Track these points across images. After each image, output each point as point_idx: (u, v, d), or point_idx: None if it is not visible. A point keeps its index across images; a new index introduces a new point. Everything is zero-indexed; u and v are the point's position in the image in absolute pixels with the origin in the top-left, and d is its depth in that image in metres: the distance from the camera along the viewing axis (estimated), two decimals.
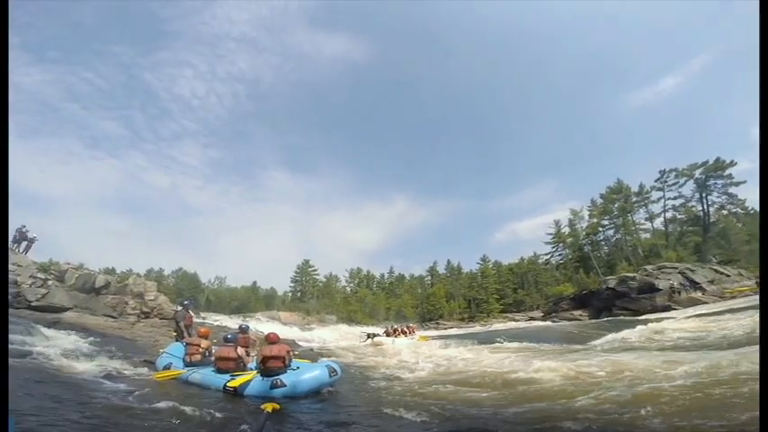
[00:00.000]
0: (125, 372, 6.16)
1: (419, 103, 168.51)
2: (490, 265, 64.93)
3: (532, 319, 43.47)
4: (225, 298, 63.56)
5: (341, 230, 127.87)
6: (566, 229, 58.13)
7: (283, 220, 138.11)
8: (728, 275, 31.84)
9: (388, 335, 18.53)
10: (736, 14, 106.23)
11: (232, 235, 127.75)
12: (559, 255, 59.84)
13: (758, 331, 8.45)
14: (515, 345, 12.39)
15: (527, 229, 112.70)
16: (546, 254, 61.64)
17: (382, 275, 73.39)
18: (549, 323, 32.89)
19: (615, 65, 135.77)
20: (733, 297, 26.14)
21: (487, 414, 4.12)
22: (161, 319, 17.09)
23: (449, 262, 70.17)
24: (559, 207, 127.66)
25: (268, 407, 3.31)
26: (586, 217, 54.85)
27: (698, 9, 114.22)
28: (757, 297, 23.09)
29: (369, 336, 18.47)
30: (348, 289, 69.93)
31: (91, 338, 8.69)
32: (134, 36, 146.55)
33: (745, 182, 43.02)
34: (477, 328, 41.94)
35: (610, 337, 12.21)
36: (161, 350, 7.67)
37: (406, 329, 19.45)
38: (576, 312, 35.64)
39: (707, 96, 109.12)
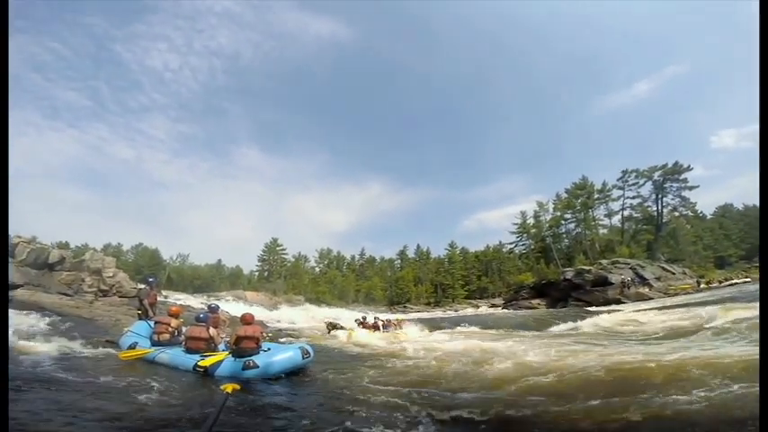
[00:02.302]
0: (87, 353, 5.95)
1: (399, 90, 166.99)
2: (458, 252, 66.93)
3: (494, 305, 45.42)
4: (187, 276, 61.69)
5: (312, 211, 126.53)
6: (531, 221, 60.75)
7: (253, 198, 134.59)
8: (674, 273, 34.62)
9: (364, 326, 13.59)
10: (713, 27, 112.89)
11: (198, 211, 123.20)
12: (523, 245, 62.56)
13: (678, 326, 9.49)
14: (475, 329, 13.24)
15: (495, 219, 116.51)
16: (510, 243, 64.34)
17: (353, 257, 73.85)
18: (507, 311, 34.59)
19: (594, 67, 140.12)
20: (676, 294, 28.60)
21: (446, 396, 4.36)
22: (120, 297, 16.44)
23: (418, 247, 71.70)
24: (526, 200, 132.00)
25: (228, 387, 3.37)
26: (551, 210, 57.60)
27: (678, 19, 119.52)
28: (694, 295, 25.47)
29: (329, 326, 13.54)
30: (317, 270, 69.77)
31: (47, 318, 8.27)
32: (110, 8, 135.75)
33: (698, 186, 46.81)
34: (441, 313, 43.33)
35: (562, 326, 13.25)
36: (125, 329, 7.46)
37: (393, 323, 13.99)
38: (535, 301, 37.56)
39: (675, 103, 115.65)
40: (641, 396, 3.74)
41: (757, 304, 11.46)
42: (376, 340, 10.94)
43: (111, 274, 17.25)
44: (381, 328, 13.40)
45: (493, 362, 6.04)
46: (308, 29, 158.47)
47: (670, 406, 3.40)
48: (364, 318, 14.89)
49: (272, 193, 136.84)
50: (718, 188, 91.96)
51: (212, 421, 2.23)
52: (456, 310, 44.37)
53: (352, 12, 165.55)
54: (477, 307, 47.17)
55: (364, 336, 11.81)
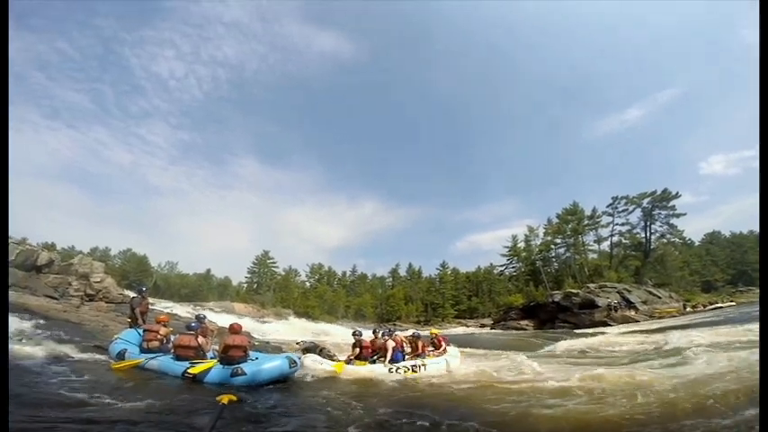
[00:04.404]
0: (76, 358, 6.00)
1: (399, 109, 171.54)
2: (449, 272, 67.00)
3: (483, 325, 45.40)
4: (175, 284, 60.70)
5: (306, 225, 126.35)
6: (521, 244, 61.37)
7: (247, 208, 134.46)
8: (660, 297, 35.09)
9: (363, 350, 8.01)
10: (706, 54, 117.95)
11: (191, 219, 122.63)
12: (513, 267, 62.90)
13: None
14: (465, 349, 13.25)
15: (486, 241, 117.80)
16: (501, 265, 64.61)
17: (344, 273, 73.40)
18: (496, 331, 34.66)
19: (588, 93, 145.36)
20: (661, 317, 29.01)
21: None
22: (107, 302, 16.27)
23: (410, 265, 71.66)
24: (518, 223, 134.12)
25: (224, 398, 3.40)
26: (541, 235, 58.39)
27: (672, 45, 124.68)
28: (679, 318, 25.91)
29: (304, 351, 9.20)
30: (308, 284, 69.09)
31: (34, 321, 8.26)
32: (122, 10, 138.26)
33: (685, 214, 47.82)
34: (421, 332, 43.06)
35: (547, 347, 13.41)
36: (114, 336, 7.50)
37: (434, 342, 9.18)
38: (523, 322, 37.65)
39: (666, 129, 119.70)
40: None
41: (729, 327, 11.95)
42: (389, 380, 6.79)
43: (98, 279, 17.11)
44: (405, 350, 8.40)
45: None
46: (313, 43, 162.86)
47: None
48: (388, 330, 8.99)
49: (267, 205, 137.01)
50: (706, 214, 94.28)
51: (208, 431, 2.27)
52: (445, 329, 44.24)
53: (357, 27, 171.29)
54: (467, 326, 47.07)
55: (365, 371, 7.20)
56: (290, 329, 22.83)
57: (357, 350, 7.75)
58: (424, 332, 10.04)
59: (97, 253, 56.94)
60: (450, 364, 8.12)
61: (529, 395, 4.94)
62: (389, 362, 7.50)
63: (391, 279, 71.84)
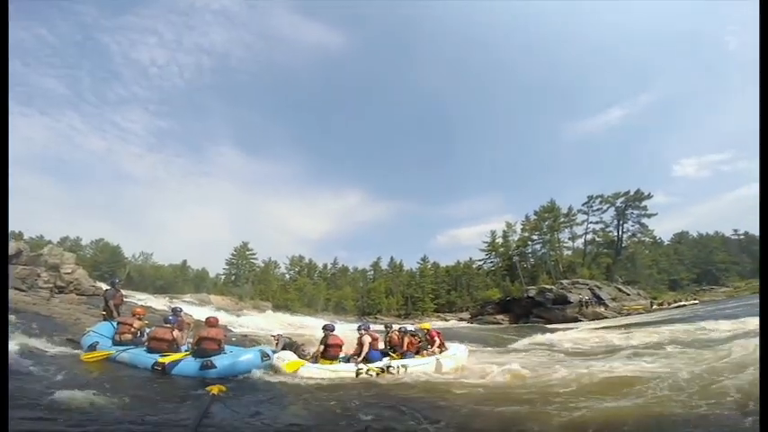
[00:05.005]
0: (49, 352, 5.94)
1: (384, 103, 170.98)
2: (429, 266, 67.93)
3: (462, 319, 46.43)
4: (149, 276, 59.22)
5: (287, 216, 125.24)
6: (500, 240, 62.82)
7: (226, 198, 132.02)
8: (629, 294, 36.79)
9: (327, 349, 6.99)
10: (686, 59, 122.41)
11: (167, 208, 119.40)
12: (491, 262, 64.38)
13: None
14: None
15: (467, 236, 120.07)
16: (480, 260, 65.99)
17: (325, 266, 73.29)
18: (474, 325, 35.55)
19: (571, 93, 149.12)
20: (629, 314, 30.43)
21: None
22: (78, 295, 15.84)
23: (392, 259, 72.24)
24: (498, 218, 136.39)
25: (214, 389, 3.46)
26: (519, 231, 59.96)
27: (657, 46, 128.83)
28: (644, 316, 27.27)
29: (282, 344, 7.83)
30: (287, 276, 68.63)
31: None
32: None
33: (656, 214, 50.18)
34: (410, 326, 43.64)
35: (522, 342, 13.98)
36: (87, 328, 7.42)
37: (427, 337, 7.97)
38: (499, 317, 38.78)
39: (644, 131, 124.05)
40: None
41: (681, 325, 12.81)
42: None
43: (69, 271, 16.60)
44: (396, 346, 7.67)
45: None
46: (301, 34, 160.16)
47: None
48: (332, 329, 7.26)
49: (247, 196, 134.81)
50: (676, 215, 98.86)
51: (197, 421, 2.33)
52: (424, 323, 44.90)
53: (346, 21, 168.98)
54: (446, 320, 47.98)
55: (328, 372, 6.26)
56: (268, 322, 22.71)
57: (322, 347, 6.79)
58: (415, 327, 8.99)
59: (68, 243, 54.85)
60: (444, 366, 6.85)
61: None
62: (362, 361, 6.66)
63: (373, 272, 72.22)
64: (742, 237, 62.77)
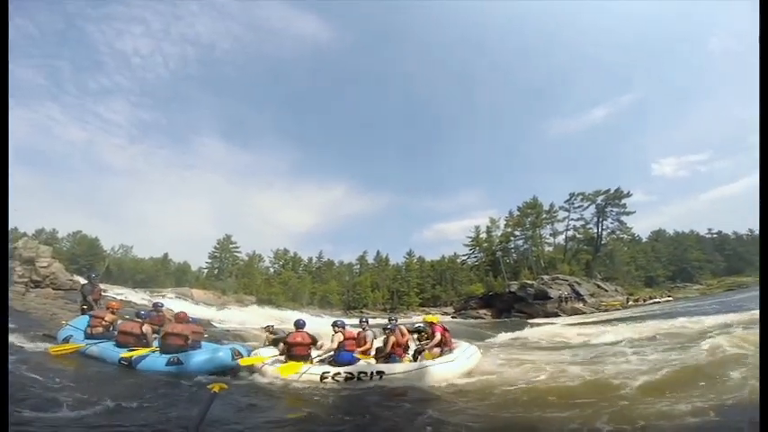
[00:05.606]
0: (26, 348, 5.83)
1: (372, 97, 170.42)
2: (415, 260, 68.40)
3: (445, 314, 47.06)
4: (129, 269, 57.79)
5: (271, 209, 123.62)
6: (483, 235, 63.68)
7: (209, 190, 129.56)
8: (606, 290, 37.98)
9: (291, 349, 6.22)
10: (671, 59, 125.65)
11: (148, 200, 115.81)
12: (475, 257, 65.21)
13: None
14: None
15: (452, 230, 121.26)
16: (464, 255, 66.75)
17: (310, 259, 72.79)
18: (458, 319, 36.16)
19: (556, 91, 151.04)
20: (606, 310, 31.41)
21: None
22: (55, 289, 15.40)
23: (378, 253, 72.21)
24: (483, 214, 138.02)
25: (215, 387, 3.49)
26: (502, 226, 60.87)
27: (639, 49, 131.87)
28: (622, 312, 28.06)
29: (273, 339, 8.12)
30: (272, 270, 67.97)
31: None
32: None
33: (634, 212, 51.65)
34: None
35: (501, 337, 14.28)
36: (63, 322, 7.31)
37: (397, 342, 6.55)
38: (482, 311, 39.59)
39: (626, 130, 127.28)
40: None
41: (652, 322, 13.25)
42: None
43: (45, 264, 16.08)
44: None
45: None
46: (291, 26, 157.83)
47: None
48: (303, 325, 6.44)
49: (231, 188, 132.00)
50: (654, 213, 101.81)
51: (199, 420, 2.33)
52: (410, 317, 45.40)
53: (337, 13, 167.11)
54: (430, 315, 48.43)
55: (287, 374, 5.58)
56: (251, 317, 22.53)
57: (282, 345, 6.16)
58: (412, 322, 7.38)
59: (43, 235, 52.82)
60: (436, 375, 5.39)
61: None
62: (332, 362, 5.90)
63: (359, 266, 72.25)
64: (715, 236, 65.54)
